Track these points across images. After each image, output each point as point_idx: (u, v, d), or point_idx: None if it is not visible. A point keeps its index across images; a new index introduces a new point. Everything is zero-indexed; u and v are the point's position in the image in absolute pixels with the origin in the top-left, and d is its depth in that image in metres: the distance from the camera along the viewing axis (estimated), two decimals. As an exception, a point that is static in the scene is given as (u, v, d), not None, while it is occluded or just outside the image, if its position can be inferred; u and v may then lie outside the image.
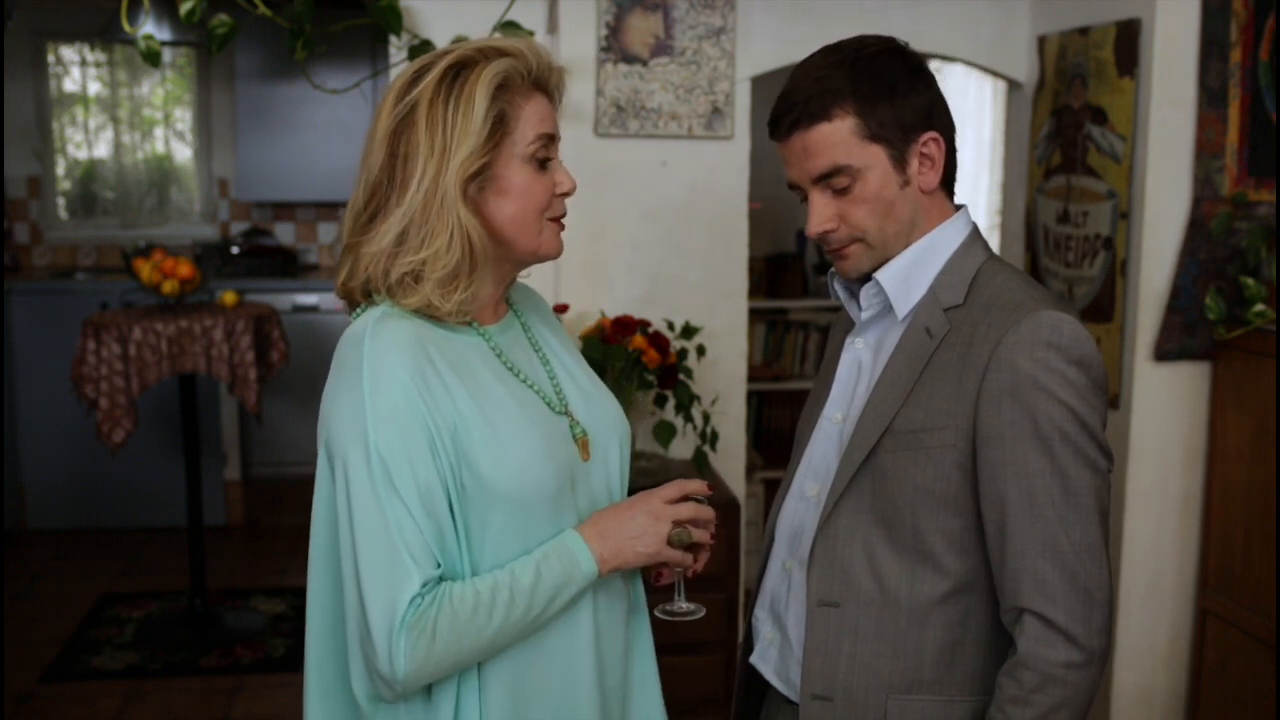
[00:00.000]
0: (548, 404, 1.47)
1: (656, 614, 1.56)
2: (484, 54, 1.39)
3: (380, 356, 1.33)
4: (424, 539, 1.32)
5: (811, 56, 1.51)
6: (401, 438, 1.32)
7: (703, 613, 1.55)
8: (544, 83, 1.44)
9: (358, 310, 1.44)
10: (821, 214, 1.49)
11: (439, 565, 1.34)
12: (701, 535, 1.49)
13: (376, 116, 1.41)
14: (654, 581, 1.55)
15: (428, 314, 1.40)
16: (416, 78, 1.39)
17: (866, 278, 1.55)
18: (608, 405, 1.56)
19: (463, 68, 1.38)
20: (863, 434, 1.49)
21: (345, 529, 1.34)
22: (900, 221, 1.50)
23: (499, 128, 1.38)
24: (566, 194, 1.46)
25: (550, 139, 1.43)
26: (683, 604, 1.55)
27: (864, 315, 1.56)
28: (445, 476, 1.34)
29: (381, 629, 1.30)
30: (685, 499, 1.49)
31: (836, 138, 1.45)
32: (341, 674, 1.43)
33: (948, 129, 1.51)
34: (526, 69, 1.41)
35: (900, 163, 1.48)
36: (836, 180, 1.47)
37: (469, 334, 1.45)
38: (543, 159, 1.42)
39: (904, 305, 1.51)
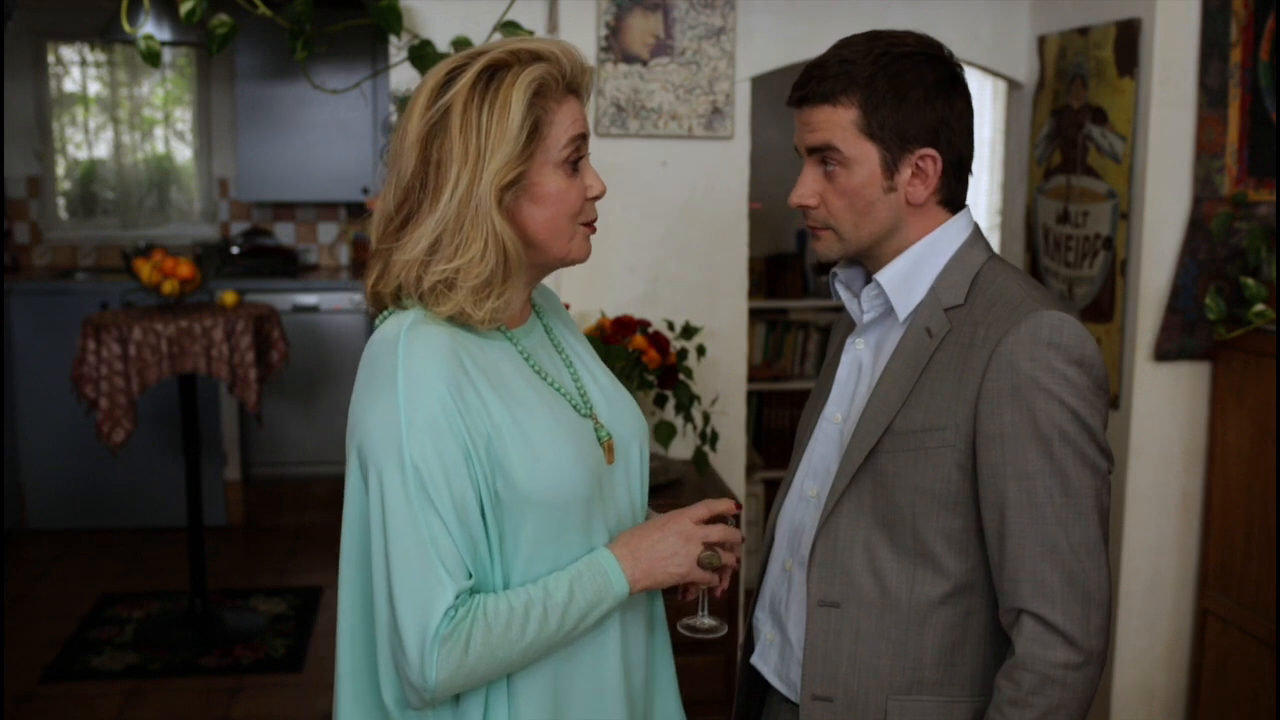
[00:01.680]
0: (574, 407, 1.47)
1: (679, 629, 1.56)
2: (518, 57, 1.37)
3: (416, 366, 1.32)
4: (457, 551, 1.32)
5: (855, 36, 1.52)
6: (437, 449, 1.31)
7: (725, 630, 1.54)
8: (576, 86, 1.42)
9: (385, 313, 1.42)
10: (808, 186, 1.51)
11: (471, 576, 1.33)
12: (729, 558, 1.49)
13: (406, 118, 1.38)
14: (679, 597, 1.55)
15: (460, 320, 1.38)
16: (449, 80, 1.36)
17: (868, 277, 1.55)
18: (628, 407, 1.55)
19: (497, 70, 1.36)
20: (862, 435, 1.49)
21: (378, 538, 1.33)
22: (878, 224, 1.50)
23: (534, 135, 1.36)
24: (596, 197, 1.44)
25: (583, 138, 1.42)
26: (705, 620, 1.55)
27: (865, 318, 1.56)
28: (479, 486, 1.34)
29: (414, 640, 1.30)
30: (714, 519, 1.49)
31: (836, 122, 1.47)
32: (373, 680, 1.42)
33: (956, 148, 1.50)
34: (561, 73, 1.39)
35: (890, 168, 1.47)
36: (828, 156, 1.48)
37: (498, 339, 1.43)
38: (575, 161, 1.41)
39: (905, 306, 1.51)
